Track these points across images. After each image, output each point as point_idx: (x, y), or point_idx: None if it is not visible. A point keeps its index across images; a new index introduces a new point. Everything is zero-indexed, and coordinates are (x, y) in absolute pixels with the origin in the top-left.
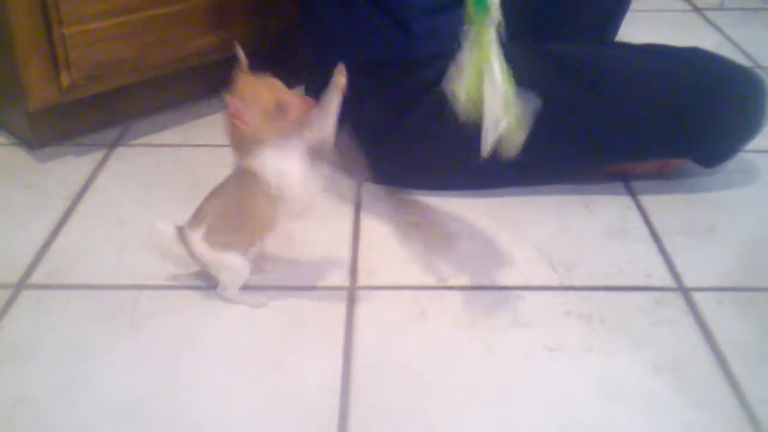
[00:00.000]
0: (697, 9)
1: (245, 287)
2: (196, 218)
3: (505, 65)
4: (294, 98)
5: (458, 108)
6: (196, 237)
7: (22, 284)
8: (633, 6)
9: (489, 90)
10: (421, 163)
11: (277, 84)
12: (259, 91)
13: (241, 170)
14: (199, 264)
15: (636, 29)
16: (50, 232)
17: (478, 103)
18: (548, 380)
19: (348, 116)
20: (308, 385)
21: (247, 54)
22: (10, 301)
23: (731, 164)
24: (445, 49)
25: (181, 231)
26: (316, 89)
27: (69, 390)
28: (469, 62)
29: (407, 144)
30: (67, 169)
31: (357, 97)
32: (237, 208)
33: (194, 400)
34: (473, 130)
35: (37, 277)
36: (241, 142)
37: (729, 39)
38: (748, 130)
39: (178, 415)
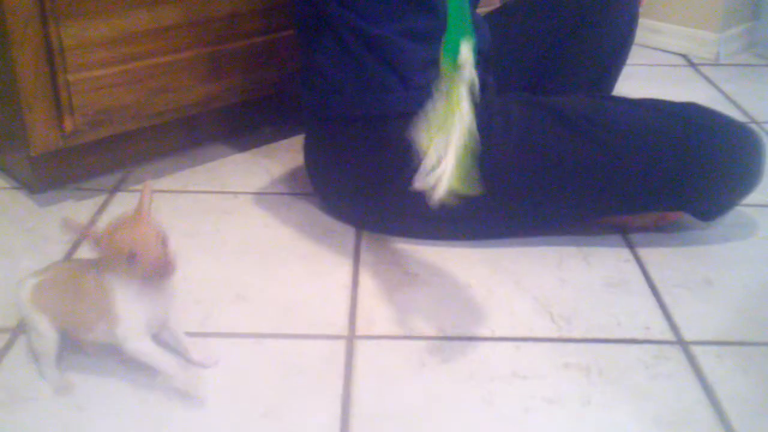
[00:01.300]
0: (692, 64)
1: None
2: (43, 270)
3: (469, 124)
4: (155, 254)
5: (420, 155)
6: (30, 282)
7: (20, 329)
8: (629, 60)
9: (442, 141)
10: (420, 213)
11: (146, 234)
12: (116, 236)
13: (91, 272)
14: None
15: (632, 83)
16: None
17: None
18: None
19: (348, 165)
20: None
21: (248, 102)
22: (7, 346)
23: (729, 218)
24: None
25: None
26: (317, 139)
27: None
28: (435, 115)
29: (406, 194)
30: (67, 213)
31: (358, 147)
32: (73, 300)
33: None
34: None
35: None
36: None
37: (724, 94)
38: (745, 185)
39: None
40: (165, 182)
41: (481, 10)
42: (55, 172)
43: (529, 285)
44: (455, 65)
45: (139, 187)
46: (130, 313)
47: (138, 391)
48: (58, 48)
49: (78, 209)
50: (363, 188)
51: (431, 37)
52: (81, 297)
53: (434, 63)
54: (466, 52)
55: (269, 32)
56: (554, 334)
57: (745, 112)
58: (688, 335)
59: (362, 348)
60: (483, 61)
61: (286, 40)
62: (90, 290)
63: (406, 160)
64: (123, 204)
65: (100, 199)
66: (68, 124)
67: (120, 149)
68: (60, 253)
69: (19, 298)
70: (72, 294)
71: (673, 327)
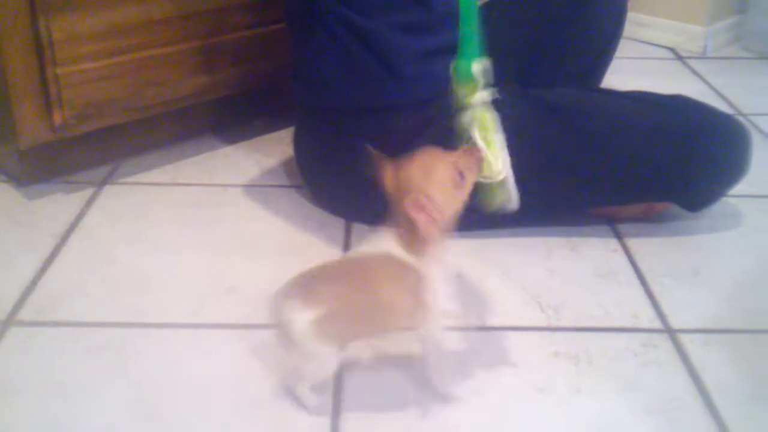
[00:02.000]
0: (680, 57)
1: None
2: (307, 298)
3: (502, 136)
4: (464, 156)
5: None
6: (302, 319)
7: (10, 321)
8: (618, 53)
9: (500, 163)
10: None
11: (435, 152)
12: (437, 167)
13: (390, 261)
14: (287, 344)
15: (620, 77)
16: (38, 270)
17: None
18: (538, 422)
19: (339, 158)
20: (297, 425)
21: (238, 95)
22: None
23: (715, 208)
24: (435, 93)
25: (280, 304)
26: (307, 131)
27: (53, 429)
28: (480, 140)
29: None
30: (56, 206)
31: (349, 140)
32: (373, 301)
33: None
34: None
35: (25, 314)
36: (419, 239)
37: (711, 87)
38: (732, 176)
39: None
40: (154, 175)
41: None
42: (43, 165)
43: (517, 275)
44: (470, 87)
45: (130, 179)
46: (438, 301)
47: (128, 383)
48: (47, 41)
49: (67, 202)
50: (353, 180)
51: (423, 29)
52: (380, 306)
53: (426, 55)
54: (478, 72)
55: (259, 25)
56: (543, 324)
57: (731, 105)
58: (675, 323)
59: None
60: None
61: (276, 33)
62: (388, 293)
63: (397, 151)
64: (112, 197)
65: (88, 192)
66: (57, 118)
67: (109, 142)
68: (49, 246)
69: (289, 332)
70: (368, 308)
71: (661, 315)
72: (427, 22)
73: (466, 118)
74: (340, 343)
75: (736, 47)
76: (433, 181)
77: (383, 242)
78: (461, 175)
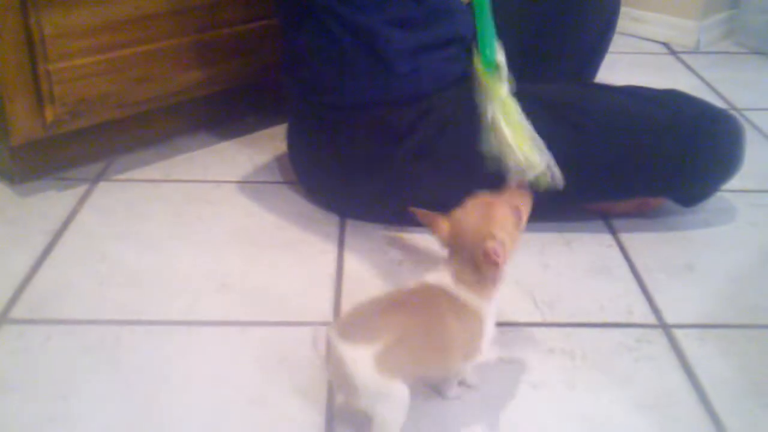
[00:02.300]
0: (673, 52)
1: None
2: (363, 332)
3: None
4: (515, 196)
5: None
6: (362, 355)
7: (2, 319)
8: (611, 48)
9: (536, 155)
10: (404, 200)
11: (488, 197)
12: (497, 211)
13: (447, 297)
14: (346, 387)
15: (614, 72)
16: (31, 267)
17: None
18: (532, 417)
19: (332, 153)
20: (292, 422)
21: (231, 91)
22: None
23: (709, 204)
24: (428, 89)
25: (332, 340)
26: (300, 127)
27: (48, 426)
28: (499, 123)
29: (391, 182)
30: (49, 203)
31: (342, 135)
32: (435, 338)
33: None
34: (455, 170)
35: (18, 312)
36: (488, 281)
37: (705, 81)
38: (726, 171)
39: None
40: (148, 171)
41: None
42: (36, 162)
43: (512, 271)
44: (493, 70)
45: (123, 176)
46: (488, 342)
47: (123, 381)
48: (38, 37)
49: (59, 199)
50: (346, 176)
51: (416, 24)
52: (439, 340)
53: (419, 50)
54: (501, 56)
55: (251, 21)
56: (538, 319)
57: (725, 99)
58: (670, 319)
59: None
60: (467, 48)
61: (269, 29)
62: (446, 328)
63: (391, 147)
64: (106, 194)
65: (81, 189)
66: (49, 114)
67: (102, 139)
68: (42, 243)
69: (347, 372)
70: (428, 343)
71: (656, 311)
72: (420, 17)
73: (490, 113)
74: (404, 378)
75: (730, 42)
76: (499, 225)
77: (439, 279)
78: (517, 213)
